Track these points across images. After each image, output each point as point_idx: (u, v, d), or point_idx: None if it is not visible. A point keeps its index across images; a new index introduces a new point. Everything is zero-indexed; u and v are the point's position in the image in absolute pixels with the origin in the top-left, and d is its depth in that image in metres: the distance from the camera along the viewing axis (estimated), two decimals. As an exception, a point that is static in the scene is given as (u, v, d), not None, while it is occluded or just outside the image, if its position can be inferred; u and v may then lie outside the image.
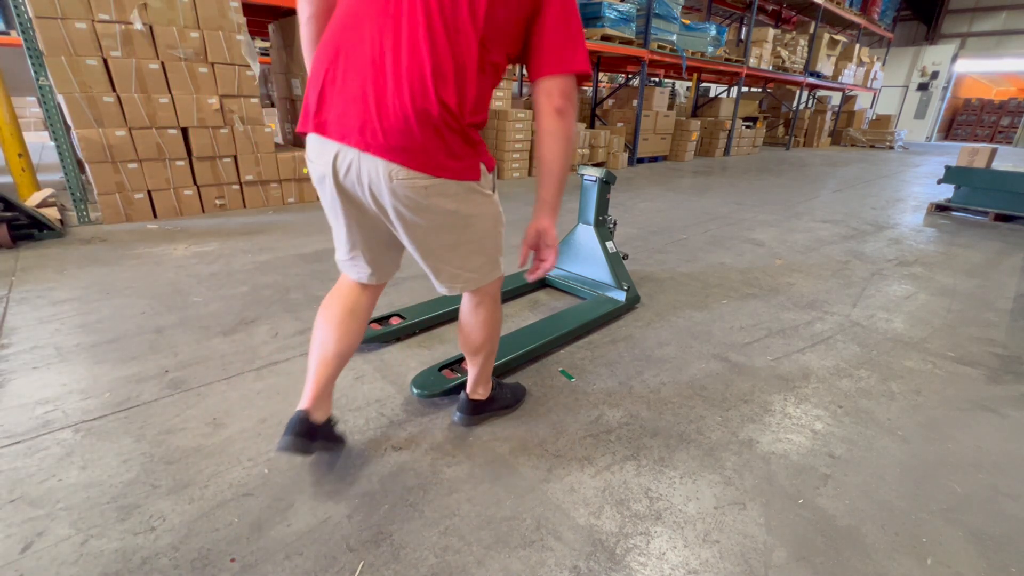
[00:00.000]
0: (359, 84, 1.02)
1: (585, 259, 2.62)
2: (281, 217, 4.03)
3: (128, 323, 2.17)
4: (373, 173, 1.06)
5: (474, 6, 1.00)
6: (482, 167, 1.15)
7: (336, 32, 1.07)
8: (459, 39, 1.01)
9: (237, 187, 4.16)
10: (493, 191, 1.23)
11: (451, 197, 1.12)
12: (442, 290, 1.32)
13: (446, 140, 1.05)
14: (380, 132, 1.01)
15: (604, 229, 2.60)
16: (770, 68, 10.04)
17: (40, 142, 7.65)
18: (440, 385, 1.68)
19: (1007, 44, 16.52)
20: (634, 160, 8.05)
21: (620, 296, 2.44)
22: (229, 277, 2.72)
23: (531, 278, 1.26)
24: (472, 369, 1.53)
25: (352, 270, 1.32)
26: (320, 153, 1.10)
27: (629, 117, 8.19)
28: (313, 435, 1.28)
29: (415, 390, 1.67)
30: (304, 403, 1.30)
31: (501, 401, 1.64)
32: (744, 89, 13.19)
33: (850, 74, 12.62)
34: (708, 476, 1.42)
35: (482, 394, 1.58)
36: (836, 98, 15.15)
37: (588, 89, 10.89)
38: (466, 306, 1.42)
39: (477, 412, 1.59)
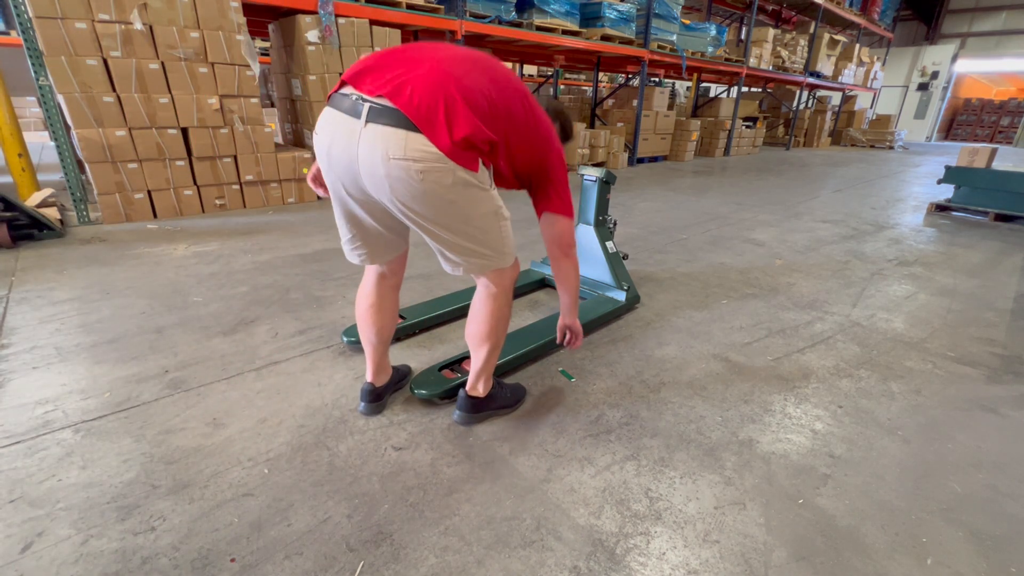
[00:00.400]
0: (405, 67, 1.13)
1: (585, 259, 2.62)
2: (281, 217, 4.03)
3: (128, 323, 2.17)
4: (370, 151, 1.10)
5: (505, 98, 1.18)
6: (480, 162, 1.18)
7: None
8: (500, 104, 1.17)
9: (237, 187, 4.16)
10: (491, 187, 1.26)
11: (447, 187, 1.14)
12: (448, 269, 1.38)
13: (460, 129, 1.10)
14: (408, 95, 1.08)
15: (604, 229, 2.60)
16: (770, 68, 10.04)
17: (40, 142, 7.65)
18: (440, 385, 1.68)
19: (1007, 44, 16.51)
20: (634, 160, 8.05)
21: (620, 296, 2.44)
22: (229, 277, 2.72)
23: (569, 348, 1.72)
24: (475, 363, 1.54)
25: (351, 254, 1.44)
26: (324, 125, 1.18)
27: (629, 117, 8.19)
28: (381, 395, 1.65)
29: (415, 390, 1.67)
30: (368, 376, 1.64)
31: (501, 400, 1.64)
32: (744, 89, 13.19)
33: (850, 74, 12.62)
34: (708, 476, 1.42)
35: (481, 391, 1.58)
36: (836, 98, 15.14)
37: (588, 89, 10.89)
38: (478, 296, 1.46)
39: (476, 411, 1.59)
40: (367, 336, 1.56)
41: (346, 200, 1.27)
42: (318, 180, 1.39)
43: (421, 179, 1.10)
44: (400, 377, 1.77)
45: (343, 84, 1.18)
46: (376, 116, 1.08)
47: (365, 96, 1.11)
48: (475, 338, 1.49)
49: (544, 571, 1.12)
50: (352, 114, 1.11)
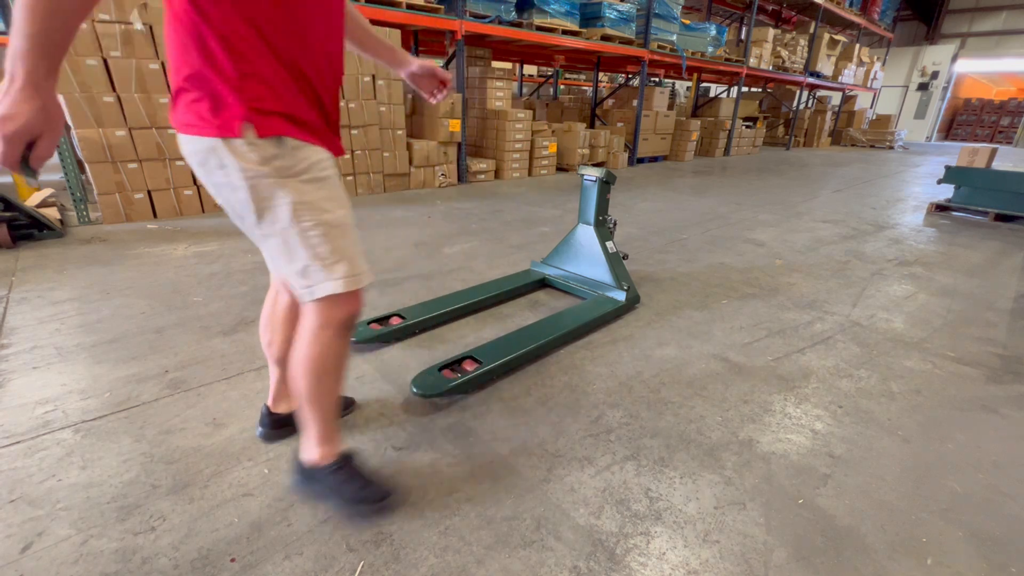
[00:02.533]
0: None
1: (585, 259, 2.62)
2: (281, 217, 4.02)
3: (128, 323, 2.17)
4: None
5: None
6: (245, 125, 0.85)
7: None
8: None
9: (237, 187, 4.16)
10: (278, 173, 0.91)
11: (204, 168, 0.92)
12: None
13: (176, 72, 0.88)
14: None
15: (604, 229, 2.60)
16: (770, 68, 10.04)
17: (40, 142, 7.64)
18: (440, 385, 1.68)
19: (1007, 44, 16.51)
20: (634, 160, 8.05)
21: (620, 296, 2.44)
22: (229, 277, 2.72)
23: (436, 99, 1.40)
24: (301, 418, 1.18)
25: None
26: None
27: (629, 117, 8.19)
28: (279, 424, 1.46)
29: (415, 390, 1.67)
30: (269, 400, 1.47)
31: (349, 491, 1.20)
32: (744, 89, 13.20)
33: (850, 74, 12.62)
34: (708, 476, 1.42)
35: (316, 458, 1.19)
36: (836, 98, 15.14)
37: (588, 89, 10.88)
38: (299, 328, 1.10)
39: (309, 480, 1.22)
40: (269, 355, 1.37)
41: None
42: None
43: (193, 162, 0.94)
44: (344, 406, 1.59)
45: None
46: None
47: None
48: (292, 385, 1.13)
49: (544, 571, 1.12)
50: None
